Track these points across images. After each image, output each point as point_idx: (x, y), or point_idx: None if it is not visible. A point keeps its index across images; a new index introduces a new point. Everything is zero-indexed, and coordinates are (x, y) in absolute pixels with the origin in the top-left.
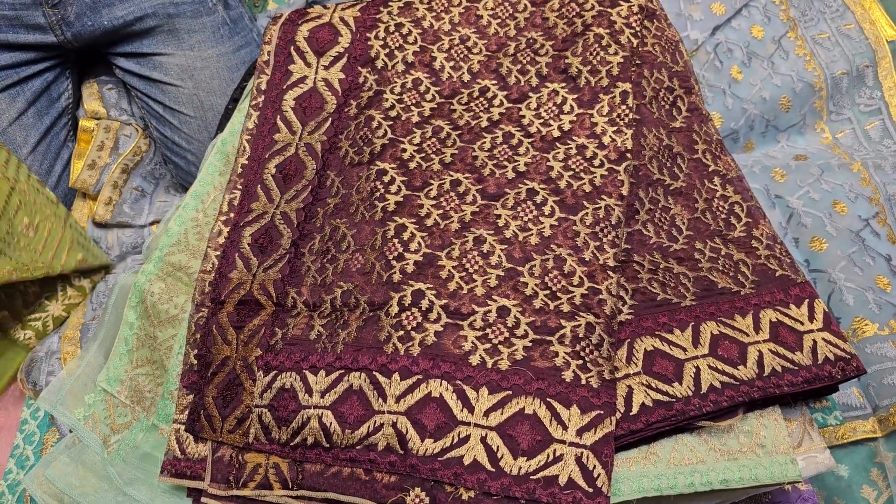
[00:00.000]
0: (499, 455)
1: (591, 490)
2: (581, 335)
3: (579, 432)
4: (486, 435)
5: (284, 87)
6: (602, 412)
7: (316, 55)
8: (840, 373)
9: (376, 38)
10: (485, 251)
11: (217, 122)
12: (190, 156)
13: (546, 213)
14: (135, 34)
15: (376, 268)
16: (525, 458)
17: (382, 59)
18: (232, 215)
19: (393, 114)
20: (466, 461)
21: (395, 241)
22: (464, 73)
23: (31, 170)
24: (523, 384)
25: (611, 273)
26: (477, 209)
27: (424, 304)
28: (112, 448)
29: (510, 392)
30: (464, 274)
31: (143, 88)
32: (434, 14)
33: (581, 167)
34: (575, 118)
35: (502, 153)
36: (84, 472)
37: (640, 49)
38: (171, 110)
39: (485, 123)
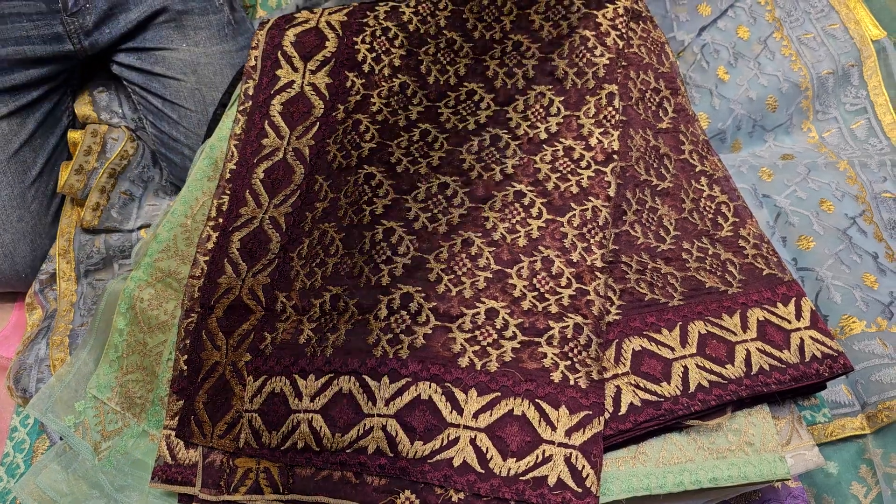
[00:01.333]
0: (488, 456)
1: (580, 490)
2: (569, 336)
3: (568, 433)
4: (476, 437)
5: (272, 91)
6: (591, 412)
7: (303, 60)
8: (827, 370)
9: (363, 42)
10: (473, 253)
11: None
12: (187, 150)
13: (534, 215)
14: (141, 30)
15: (365, 271)
16: (514, 459)
17: (369, 64)
18: (221, 220)
19: (380, 118)
20: (456, 463)
21: (384, 244)
22: (450, 76)
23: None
24: (512, 385)
25: (598, 274)
26: (465, 212)
27: (413, 306)
28: (103, 455)
29: (499, 393)
30: (452, 276)
31: (141, 83)
32: (420, 18)
33: (568, 169)
34: (562, 120)
35: (489, 156)
36: (75, 479)
37: (626, 50)
38: (171, 104)
39: (472, 126)
